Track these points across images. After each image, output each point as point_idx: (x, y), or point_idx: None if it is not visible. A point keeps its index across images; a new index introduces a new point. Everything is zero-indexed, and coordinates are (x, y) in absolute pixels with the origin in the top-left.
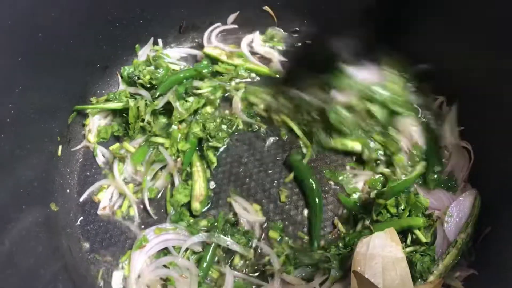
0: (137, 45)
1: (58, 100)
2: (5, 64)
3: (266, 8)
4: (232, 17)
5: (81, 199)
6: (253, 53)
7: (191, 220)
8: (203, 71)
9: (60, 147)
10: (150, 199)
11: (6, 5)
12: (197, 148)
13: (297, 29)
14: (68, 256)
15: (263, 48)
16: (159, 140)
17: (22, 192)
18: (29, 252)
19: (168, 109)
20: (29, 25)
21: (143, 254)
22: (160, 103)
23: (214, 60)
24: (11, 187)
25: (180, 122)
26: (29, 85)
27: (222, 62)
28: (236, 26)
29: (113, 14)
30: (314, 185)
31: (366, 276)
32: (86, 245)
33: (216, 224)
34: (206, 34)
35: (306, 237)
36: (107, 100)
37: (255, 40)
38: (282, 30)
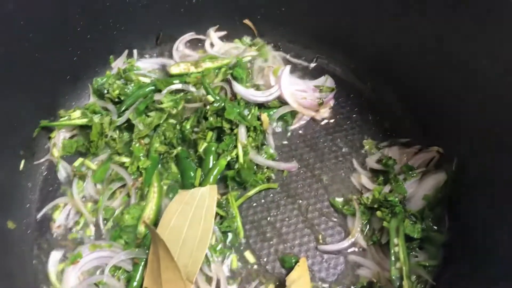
0: (111, 57)
1: (23, 112)
2: None
3: (247, 21)
4: (211, 31)
5: (39, 215)
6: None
7: (129, 239)
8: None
9: (23, 161)
10: (105, 219)
11: None
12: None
13: (278, 44)
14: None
15: (223, 42)
16: (123, 159)
17: None
18: None
19: (132, 124)
20: None
21: (76, 269)
22: (121, 119)
23: None
24: None
25: (143, 137)
26: None
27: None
28: (202, 36)
29: (82, 25)
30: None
31: (171, 226)
32: (39, 266)
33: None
34: (176, 43)
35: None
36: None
37: (212, 37)
38: (264, 42)
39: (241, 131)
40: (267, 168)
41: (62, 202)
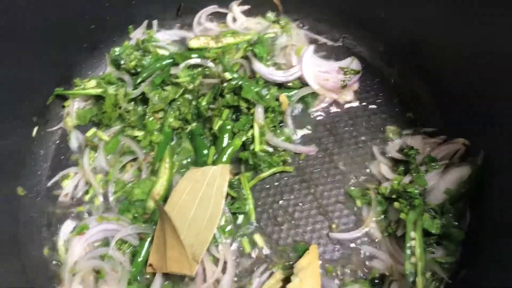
0: (130, 27)
1: (38, 79)
2: None
3: None
4: (234, 4)
5: (49, 183)
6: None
7: (138, 213)
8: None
9: (36, 128)
10: (115, 192)
11: None
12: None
13: (304, 22)
14: (27, 246)
15: (246, 17)
16: (135, 133)
17: None
18: None
19: (147, 98)
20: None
21: (82, 240)
22: (136, 92)
23: None
24: None
25: (157, 112)
26: (3, 63)
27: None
28: (224, 10)
29: None
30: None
31: (180, 203)
32: (48, 233)
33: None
34: (197, 16)
35: None
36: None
37: (234, 11)
38: (289, 19)
39: (258, 111)
40: (284, 150)
41: (73, 171)
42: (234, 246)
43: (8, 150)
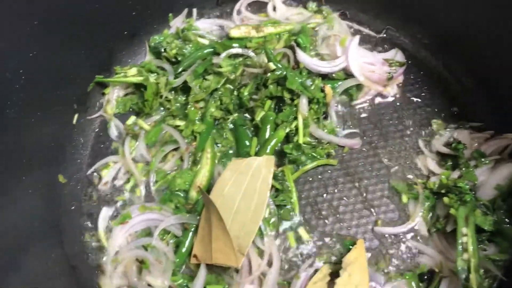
0: (170, 15)
1: (79, 67)
2: (17, 27)
3: None
4: None
5: (89, 171)
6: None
7: (180, 203)
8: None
9: (76, 115)
10: (156, 181)
11: None
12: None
13: (346, 12)
14: (69, 235)
15: (286, 7)
16: (177, 122)
17: (25, 162)
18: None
19: (188, 87)
20: None
21: (124, 230)
22: (178, 81)
23: None
24: (11, 156)
25: (198, 101)
26: (45, 50)
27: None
28: None
29: None
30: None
31: (224, 194)
32: (89, 222)
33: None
34: (237, 5)
35: None
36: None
37: (275, 0)
38: (331, 9)
39: (303, 102)
40: (328, 143)
41: (113, 160)
42: (279, 238)
43: (49, 137)
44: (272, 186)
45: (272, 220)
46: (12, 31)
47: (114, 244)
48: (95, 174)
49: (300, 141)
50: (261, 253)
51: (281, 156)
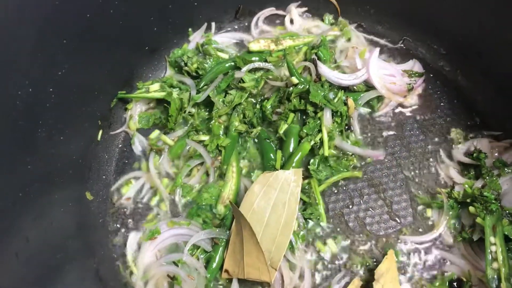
0: (190, 29)
1: (102, 83)
2: (48, 46)
3: None
4: (292, 7)
5: (113, 187)
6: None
7: (208, 218)
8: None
9: (100, 131)
10: (182, 196)
11: None
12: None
13: (362, 24)
14: (99, 252)
15: (303, 19)
16: (201, 137)
17: (56, 180)
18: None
19: (211, 101)
20: (77, 4)
21: (153, 246)
22: (202, 97)
23: None
24: (44, 175)
25: (221, 115)
26: (73, 68)
27: (272, 52)
28: (282, 12)
29: None
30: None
31: (254, 208)
32: (117, 238)
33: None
34: (254, 18)
35: None
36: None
37: (292, 13)
38: (347, 21)
39: (327, 115)
40: (352, 154)
41: (138, 175)
42: (309, 251)
43: (76, 154)
44: (300, 199)
45: (302, 233)
46: (44, 52)
47: (143, 261)
48: (120, 190)
49: (326, 154)
50: (292, 267)
51: (307, 169)
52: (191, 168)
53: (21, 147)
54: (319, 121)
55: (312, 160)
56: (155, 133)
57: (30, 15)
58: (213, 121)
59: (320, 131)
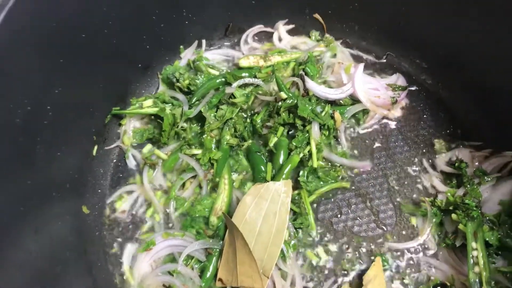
0: (181, 47)
1: (97, 100)
2: (46, 66)
3: (317, 16)
4: (280, 24)
5: (108, 201)
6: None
7: (201, 229)
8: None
9: (96, 146)
10: (176, 209)
11: (52, 6)
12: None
13: (347, 40)
14: (96, 264)
15: (291, 36)
16: (194, 151)
17: (54, 195)
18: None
19: (202, 116)
20: (73, 25)
21: (148, 256)
22: (194, 112)
23: None
24: (43, 189)
25: (212, 130)
26: (69, 85)
27: (261, 68)
28: (270, 29)
29: (158, 14)
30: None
31: (246, 219)
32: (113, 250)
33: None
34: (244, 36)
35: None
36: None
37: (280, 30)
38: (333, 38)
39: (315, 129)
40: (339, 166)
41: (133, 189)
42: (300, 259)
43: (72, 169)
44: (291, 209)
45: (292, 242)
46: (41, 71)
47: (139, 271)
48: (115, 203)
49: (315, 165)
50: (284, 275)
51: (296, 180)
52: (184, 181)
53: (20, 162)
54: (307, 134)
55: (301, 172)
56: (148, 147)
57: (30, 37)
58: (205, 135)
59: (308, 143)
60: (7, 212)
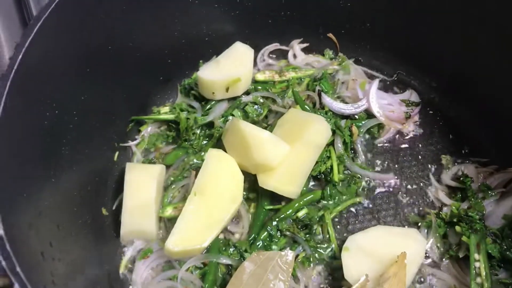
0: (200, 61)
1: (120, 108)
2: (75, 74)
3: (330, 35)
4: (295, 43)
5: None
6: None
7: None
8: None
9: (117, 152)
10: None
11: (84, 22)
12: None
13: (360, 59)
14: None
15: (306, 56)
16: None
17: (76, 195)
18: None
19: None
20: (102, 37)
21: (146, 264)
22: (206, 119)
23: None
24: (66, 188)
25: None
26: (94, 94)
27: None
28: (285, 47)
29: (180, 30)
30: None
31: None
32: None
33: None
34: (260, 53)
35: None
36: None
37: (295, 48)
38: (345, 56)
39: (337, 142)
40: (359, 177)
41: None
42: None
43: (95, 173)
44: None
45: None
46: (70, 79)
47: (138, 279)
48: None
49: (336, 179)
50: None
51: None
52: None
53: (47, 161)
54: (327, 148)
55: (324, 192)
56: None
57: (61, 48)
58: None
59: (329, 157)
60: (33, 209)
